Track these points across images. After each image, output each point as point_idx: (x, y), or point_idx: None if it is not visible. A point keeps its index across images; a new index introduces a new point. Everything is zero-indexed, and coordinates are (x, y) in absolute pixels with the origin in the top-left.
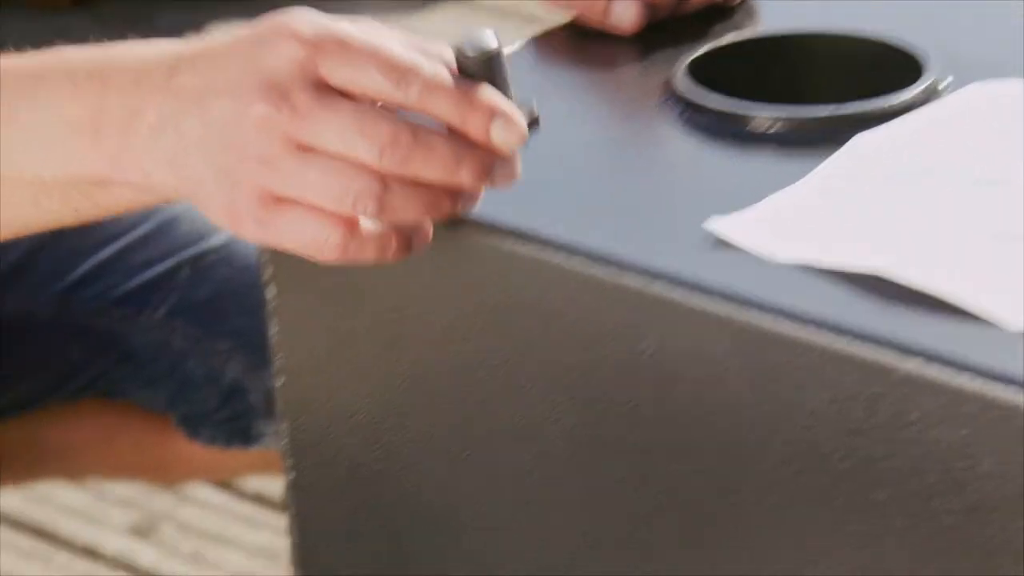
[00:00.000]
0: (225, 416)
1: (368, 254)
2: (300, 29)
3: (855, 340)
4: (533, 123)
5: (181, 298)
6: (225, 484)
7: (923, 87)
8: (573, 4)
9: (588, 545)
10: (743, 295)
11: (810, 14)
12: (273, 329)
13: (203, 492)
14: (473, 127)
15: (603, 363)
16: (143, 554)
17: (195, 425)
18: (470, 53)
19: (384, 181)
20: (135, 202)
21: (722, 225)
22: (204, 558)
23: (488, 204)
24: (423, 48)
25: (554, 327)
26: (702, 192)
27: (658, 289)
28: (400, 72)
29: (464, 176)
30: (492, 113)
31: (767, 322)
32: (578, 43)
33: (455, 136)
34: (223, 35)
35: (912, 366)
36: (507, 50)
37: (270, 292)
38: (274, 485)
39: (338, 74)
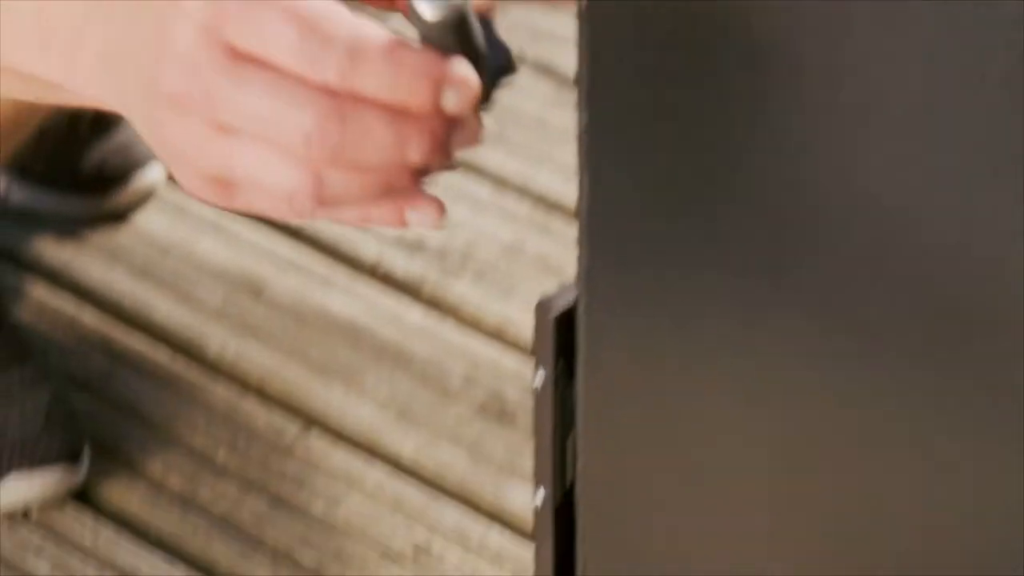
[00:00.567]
0: None
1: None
2: None
3: None
4: (508, 69)
5: None
6: None
7: None
8: None
9: None
10: None
11: None
12: None
13: None
14: (417, 102)
15: None
16: None
17: None
18: (430, 15)
19: (316, 172)
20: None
21: None
22: None
23: None
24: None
25: None
26: None
27: None
28: (313, 49)
29: (413, 155)
30: (438, 82)
31: None
32: None
33: (395, 114)
34: None
35: None
36: None
37: None
38: None
39: (247, 45)
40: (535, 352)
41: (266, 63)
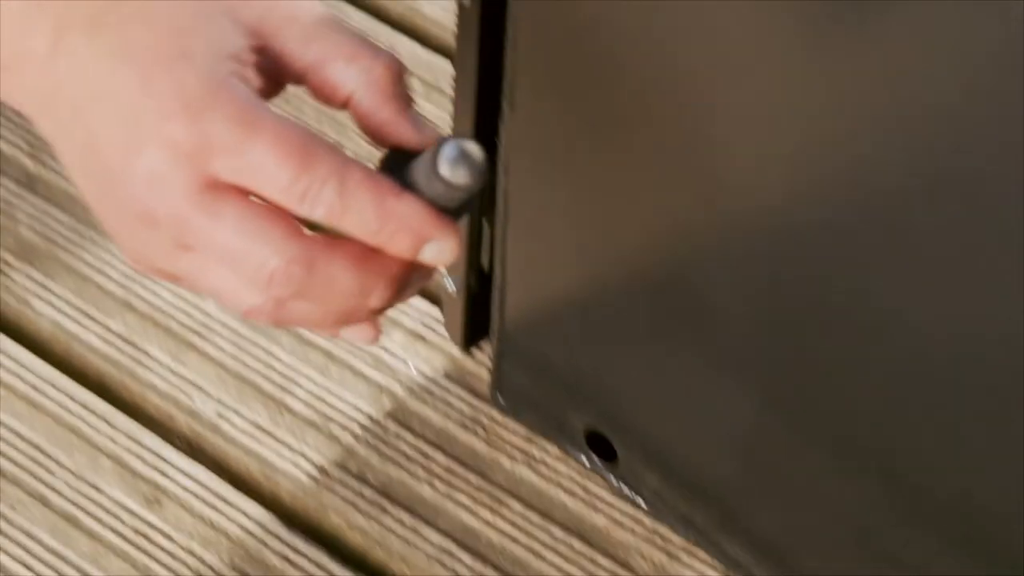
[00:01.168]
0: None
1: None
2: (190, 106)
3: None
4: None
5: None
6: None
7: None
8: None
9: None
10: None
11: None
12: None
13: None
14: (394, 250)
15: None
16: None
17: None
18: (460, 180)
19: (277, 300)
20: None
21: None
22: None
23: None
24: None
25: None
26: None
27: None
28: (303, 188)
29: (373, 303)
30: (424, 238)
31: None
32: None
33: (364, 263)
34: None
35: None
36: None
37: None
38: None
39: (233, 178)
40: None
41: (247, 192)
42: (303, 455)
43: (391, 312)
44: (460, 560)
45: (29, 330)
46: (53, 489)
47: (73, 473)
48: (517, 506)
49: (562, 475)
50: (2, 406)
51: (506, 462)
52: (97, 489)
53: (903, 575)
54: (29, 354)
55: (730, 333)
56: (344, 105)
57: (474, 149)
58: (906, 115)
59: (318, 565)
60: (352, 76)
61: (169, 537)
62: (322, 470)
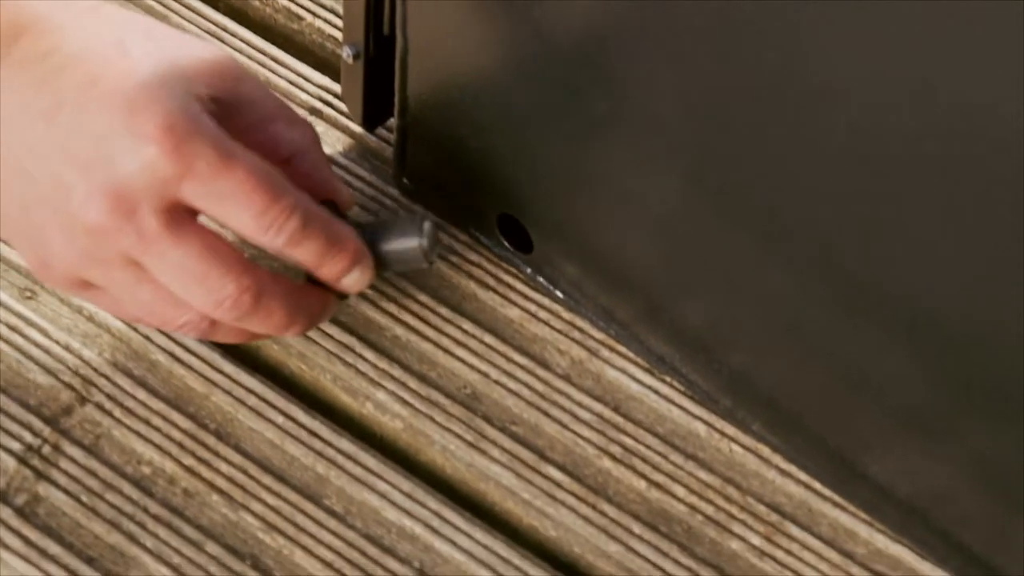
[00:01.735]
0: None
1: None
2: (173, 130)
3: None
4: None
5: None
6: None
7: None
8: None
9: None
10: None
11: None
12: None
13: None
14: (328, 274)
15: None
16: None
17: None
18: (425, 262)
19: (212, 322)
20: None
21: None
22: None
23: None
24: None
25: None
26: None
27: None
28: (271, 218)
29: (293, 331)
30: (353, 264)
31: None
32: None
33: (298, 299)
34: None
35: None
36: None
37: None
38: None
39: (201, 203)
40: None
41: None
42: None
43: (284, 85)
44: (362, 356)
45: None
46: None
47: None
48: (424, 298)
49: (473, 265)
50: None
51: None
52: None
53: (834, 369)
54: None
55: (651, 107)
56: (285, 161)
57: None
58: None
59: (209, 363)
60: (296, 137)
61: (45, 332)
62: None
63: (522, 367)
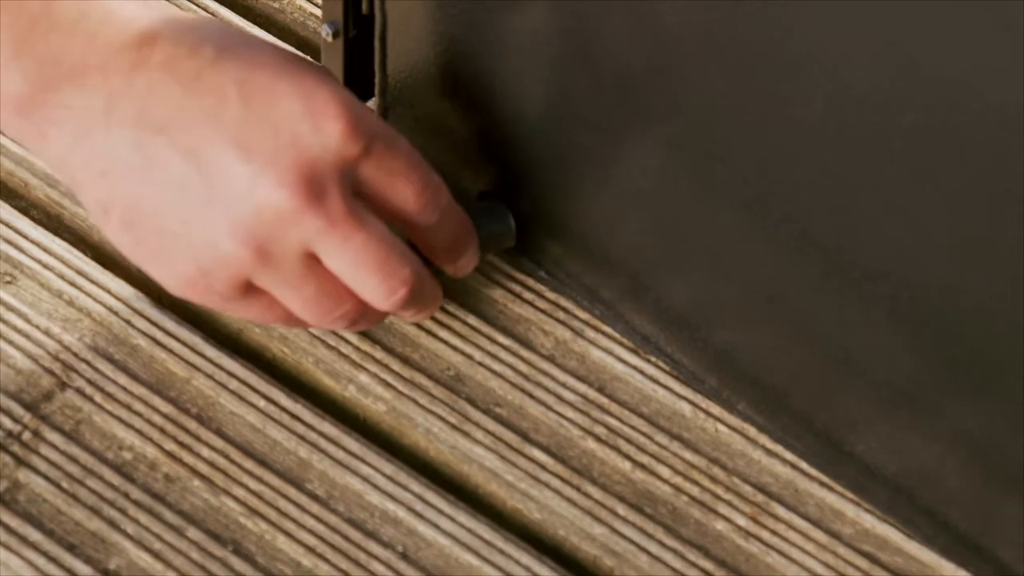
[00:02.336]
0: None
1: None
2: (352, 109)
3: None
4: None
5: None
6: None
7: None
8: None
9: None
10: None
11: None
12: None
13: None
14: (453, 255)
15: None
16: None
17: None
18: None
19: (363, 312)
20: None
21: None
22: None
23: None
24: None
25: None
26: None
27: None
28: (430, 194)
29: (426, 316)
30: (467, 254)
31: None
32: None
33: (433, 281)
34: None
35: None
36: None
37: None
38: None
39: (374, 183)
40: None
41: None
42: None
43: None
44: (344, 339)
45: None
46: None
47: None
48: None
49: None
50: None
51: None
52: None
53: (818, 346)
54: None
55: (632, 82)
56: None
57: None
58: None
59: (190, 347)
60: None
61: (25, 317)
62: None
63: (506, 348)
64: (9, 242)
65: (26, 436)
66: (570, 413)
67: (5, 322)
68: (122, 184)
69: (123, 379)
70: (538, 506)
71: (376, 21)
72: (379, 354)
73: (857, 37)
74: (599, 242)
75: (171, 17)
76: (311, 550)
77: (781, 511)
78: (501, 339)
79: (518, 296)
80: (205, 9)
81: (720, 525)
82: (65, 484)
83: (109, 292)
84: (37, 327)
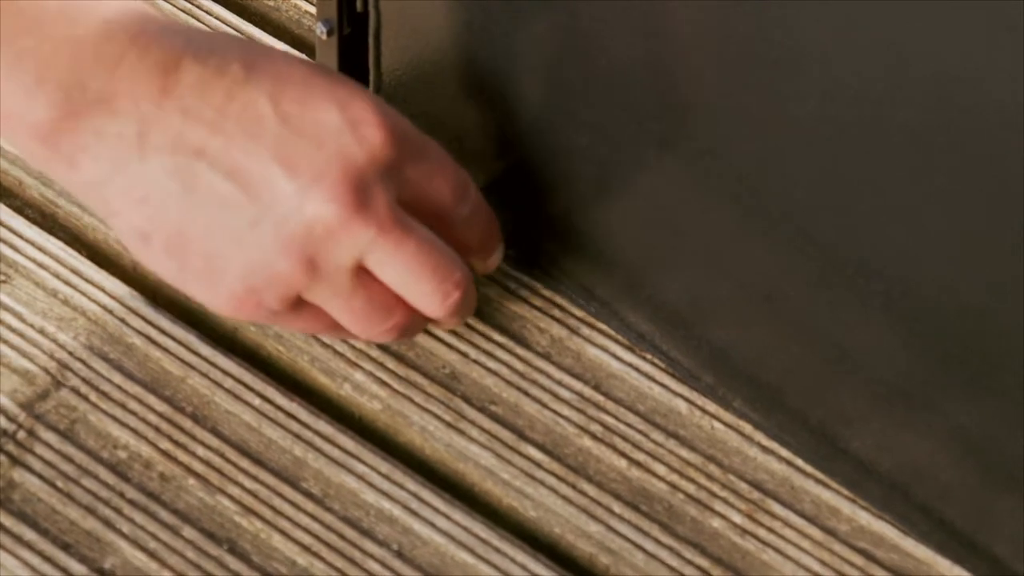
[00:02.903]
0: None
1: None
2: (388, 115)
3: None
4: None
5: None
6: None
7: None
8: None
9: None
10: None
11: None
12: None
13: None
14: (483, 252)
15: None
16: None
17: None
18: None
19: (412, 321)
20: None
21: None
22: None
23: None
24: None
25: None
26: None
27: None
28: (463, 187)
29: (464, 319)
30: (498, 249)
31: None
32: None
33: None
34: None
35: None
36: None
37: None
38: None
39: (417, 185)
40: None
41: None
42: None
43: None
44: (344, 340)
45: None
46: None
47: None
48: None
49: None
50: None
51: None
52: None
53: (813, 343)
54: None
55: (629, 78)
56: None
57: None
58: None
59: (185, 346)
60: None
61: (20, 316)
62: None
63: (501, 346)
64: (3, 241)
65: (21, 435)
66: (566, 411)
67: (0, 321)
68: (164, 211)
69: (118, 378)
70: (534, 504)
71: (370, 19)
72: (374, 352)
73: (853, 34)
74: (594, 239)
75: (189, 37)
76: (306, 549)
77: (777, 508)
78: (496, 337)
79: (513, 293)
80: (200, 7)
81: (716, 522)
82: (60, 483)
83: (104, 291)
84: (32, 326)
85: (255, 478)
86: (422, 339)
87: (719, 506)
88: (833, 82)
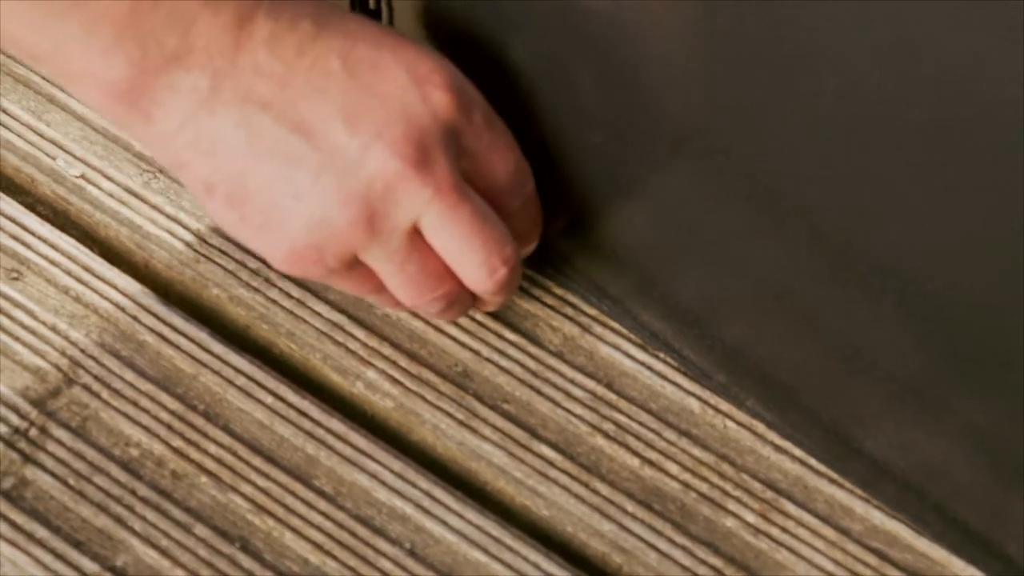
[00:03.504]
0: None
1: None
2: (456, 79)
3: None
4: None
5: None
6: None
7: None
8: None
9: None
10: None
11: None
12: None
13: None
14: (529, 242)
15: None
16: None
17: None
18: None
19: (459, 296)
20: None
21: None
22: None
23: None
24: None
25: None
26: None
27: None
28: (521, 174)
29: (505, 301)
30: (534, 245)
31: None
32: None
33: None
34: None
35: None
36: None
37: None
38: None
39: (476, 155)
40: None
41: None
42: (179, 221)
43: None
44: (352, 335)
45: None
46: None
47: None
48: None
49: None
50: None
51: None
52: None
53: (826, 342)
54: None
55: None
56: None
57: None
58: None
59: (197, 343)
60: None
61: (32, 314)
62: (200, 238)
63: (513, 344)
64: (16, 238)
65: (33, 433)
66: (578, 409)
67: (12, 318)
68: (229, 162)
69: (130, 375)
70: (546, 503)
71: (383, 15)
72: (387, 350)
73: (867, 32)
74: (607, 237)
75: None
76: (318, 547)
77: (790, 508)
78: (509, 335)
79: (525, 292)
80: None
81: (729, 522)
82: (72, 481)
83: (116, 288)
84: (44, 323)
85: (267, 476)
86: (434, 337)
87: (732, 505)
88: (847, 81)
